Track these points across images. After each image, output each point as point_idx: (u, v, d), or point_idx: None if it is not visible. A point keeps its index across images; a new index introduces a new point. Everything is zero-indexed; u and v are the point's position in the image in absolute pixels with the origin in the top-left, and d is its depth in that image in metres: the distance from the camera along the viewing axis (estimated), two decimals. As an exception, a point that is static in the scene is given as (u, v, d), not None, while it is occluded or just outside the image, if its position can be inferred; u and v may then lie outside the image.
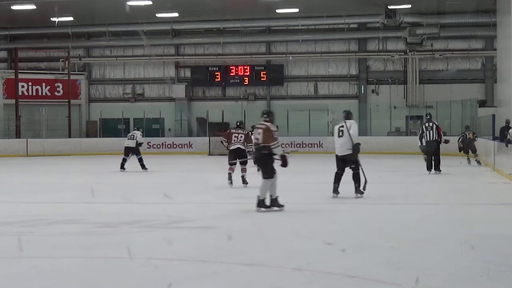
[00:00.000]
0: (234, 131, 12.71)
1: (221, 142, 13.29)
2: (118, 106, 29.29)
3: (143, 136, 17.41)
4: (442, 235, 7.12)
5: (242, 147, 12.38)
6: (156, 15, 27.27)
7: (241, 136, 12.50)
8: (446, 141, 15.76)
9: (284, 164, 9.04)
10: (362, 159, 21.94)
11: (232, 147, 12.45)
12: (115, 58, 30.21)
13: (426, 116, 15.99)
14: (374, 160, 20.48)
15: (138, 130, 17.17)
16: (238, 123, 13.07)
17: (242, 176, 12.37)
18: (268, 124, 9.10)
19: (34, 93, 28.94)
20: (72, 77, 28.96)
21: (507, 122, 17.93)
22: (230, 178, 12.38)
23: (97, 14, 27.12)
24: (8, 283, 5.16)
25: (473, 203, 10.16)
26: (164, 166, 19.49)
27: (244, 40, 28.68)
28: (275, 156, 8.94)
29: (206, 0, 24.53)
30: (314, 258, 5.92)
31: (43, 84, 29.12)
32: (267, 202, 8.82)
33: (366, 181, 10.54)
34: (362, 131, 27.09)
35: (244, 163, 12.38)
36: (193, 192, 11.96)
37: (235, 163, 12.43)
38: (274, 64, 29.01)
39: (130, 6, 24.93)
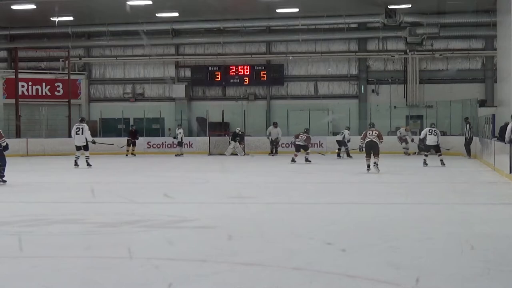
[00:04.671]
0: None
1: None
2: (118, 106, 29.28)
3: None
4: (442, 235, 7.12)
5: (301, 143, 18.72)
6: (156, 14, 27.27)
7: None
8: None
9: None
10: (363, 158, 22.09)
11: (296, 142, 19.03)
12: (115, 58, 30.21)
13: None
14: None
15: (306, 132, 20.22)
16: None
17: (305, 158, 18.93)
18: None
19: (34, 93, 28.93)
20: (72, 76, 28.95)
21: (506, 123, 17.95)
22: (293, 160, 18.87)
23: (97, 14, 27.11)
24: (8, 283, 5.17)
25: (473, 203, 10.16)
26: (164, 166, 19.50)
27: (244, 40, 28.68)
28: None
29: (206, 0, 24.52)
30: (314, 258, 5.92)
31: (43, 84, 29.11)
32: None
33: None
34: (363, 131, 27.15)
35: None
36: (193, 192, 11.97)
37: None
38: (274, 64, 29.00)
39: (130, 5, 24.93)
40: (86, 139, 17.75)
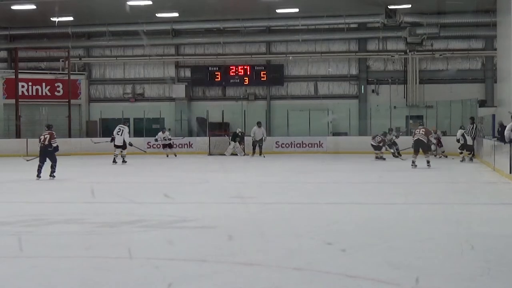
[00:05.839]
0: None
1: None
2: (118, 106, 29.25)
3: None
4: (442, 235, 7.13)
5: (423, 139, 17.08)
6: (156, 15, 27.25)
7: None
8: None
9: None
10: (363, 158, 22.00)
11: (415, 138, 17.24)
12: (115, 58, 30.19)
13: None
14: (374, 160, 20.51)
15: (383, 135, 21.25)
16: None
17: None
18: None
19: (34, 93, 28.91)
20: (72, 77, 28.93)
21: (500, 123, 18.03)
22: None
23: (97, 14, 27.08)
24: (8, 283, 5.17)
25: (473, 203, 10.17)
26: (164, 166, 19.50)
27: (244, 40, 28.66)
28: None
29: (206, 0, 24.52)
30: (314, 258, 5.92)
31: (43, 84, 29.09)
32: None
33: None
34: (363, 131, 27.22)
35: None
36: (193, 192, 11.97)
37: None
38: (274, 64, 28.99)
39: (130, 6, 24.90)
40: (124, 140, 19.68)
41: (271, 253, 6.19)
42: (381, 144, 20.93)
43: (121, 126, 20.18)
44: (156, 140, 24.47)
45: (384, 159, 20.63)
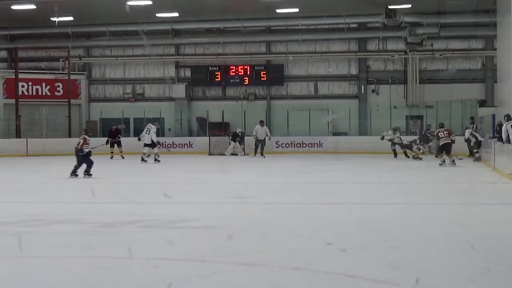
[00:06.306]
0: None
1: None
2: (118, 106, 29.25)
3: None
4: (442, 235, 7.13)
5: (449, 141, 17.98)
6: (156, 15, 27.26)
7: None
8: None
9: None
10: (363, 158, 21.96)
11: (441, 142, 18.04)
12: (115, 58, 30.19)
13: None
14: (374, 160, 20.51)
15: (393, 133, 21.56)
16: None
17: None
18: None
19: (34, 93, 28.90)
20: (72, 77, 28.93)
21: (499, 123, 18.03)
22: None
23: (97, 14, 27.10)
24: (8, 283, 5.17)
25: (473, 203, 10.16)
26: (164, 166, 19.49)
27: (244, 40, 28.66)
28: None
29: (206, 0, 24.52)
30: (314, 258, 5.92)
31: (43, 84, 29.08)
32: None
33: None
34: (363, 131, 27.23)
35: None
36: (193, 192, 11.96)
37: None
38: (274, 64, 28.98)
39: (130, 6, 24.90)
40: (152, 139, 20.12)
41: (271, 253, 6.18)
42: (411, 143, 21.14)
43: (149, 126, 20.47)
44: (139, 139, 23.51)
45: (421, 159, 20.54)
